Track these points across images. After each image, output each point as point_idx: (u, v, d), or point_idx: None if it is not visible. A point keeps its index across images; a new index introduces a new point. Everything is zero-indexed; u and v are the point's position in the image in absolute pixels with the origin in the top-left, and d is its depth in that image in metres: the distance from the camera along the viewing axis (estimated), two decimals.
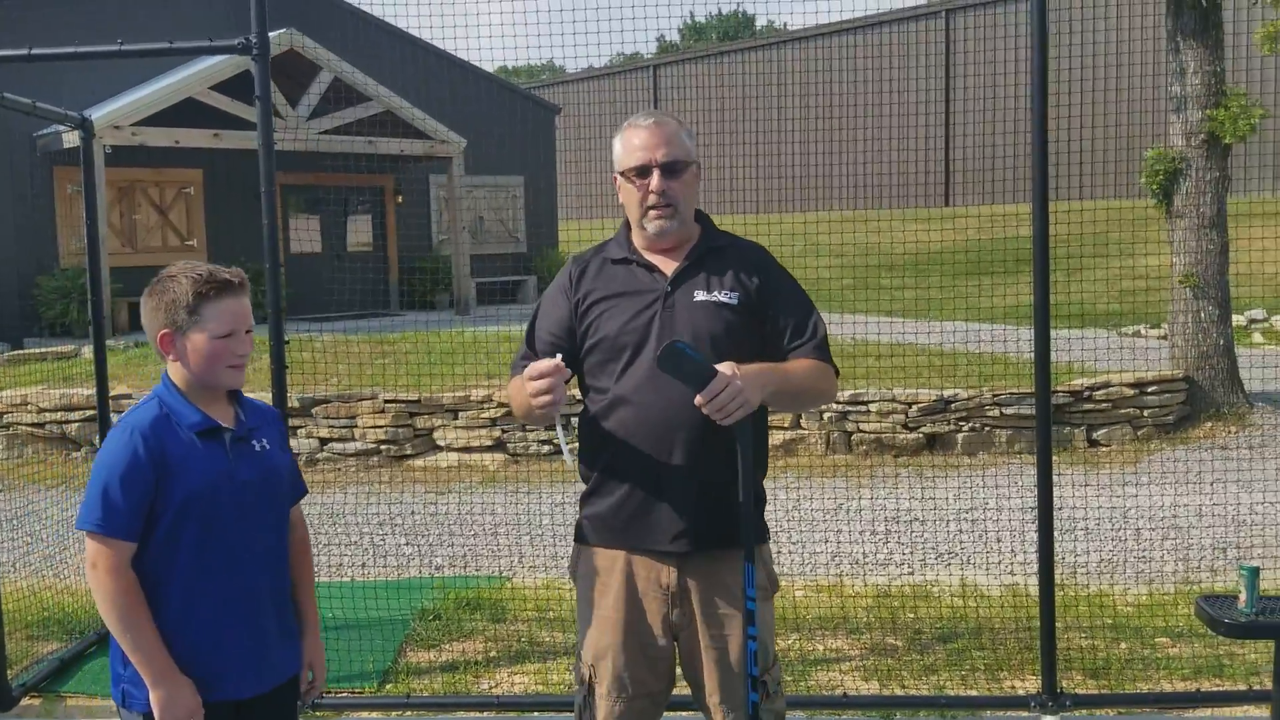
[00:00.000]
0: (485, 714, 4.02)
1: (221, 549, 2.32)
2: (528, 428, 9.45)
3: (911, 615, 5.05)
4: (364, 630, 4.90)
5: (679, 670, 2.62)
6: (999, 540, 6.80)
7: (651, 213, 2.53)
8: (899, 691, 4.10)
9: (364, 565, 6.91)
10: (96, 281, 5.07)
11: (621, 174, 2.56)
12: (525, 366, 2.48)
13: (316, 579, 5.65)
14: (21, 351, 12.67)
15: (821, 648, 4.60)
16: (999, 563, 6.41)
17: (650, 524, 2.50)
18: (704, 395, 2.27)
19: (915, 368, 9.77)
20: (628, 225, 2.62)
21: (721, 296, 2.51)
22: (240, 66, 13.50)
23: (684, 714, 3.31)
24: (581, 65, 34.59)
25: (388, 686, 4.30)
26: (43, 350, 12.48)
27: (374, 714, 4.09)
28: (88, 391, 10.32)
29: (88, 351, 12.39)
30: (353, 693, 4.20)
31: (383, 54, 16.17)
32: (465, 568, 6.57)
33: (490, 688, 4.30)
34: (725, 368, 2.30)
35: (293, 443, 9.80)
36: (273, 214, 3.89)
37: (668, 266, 2.56)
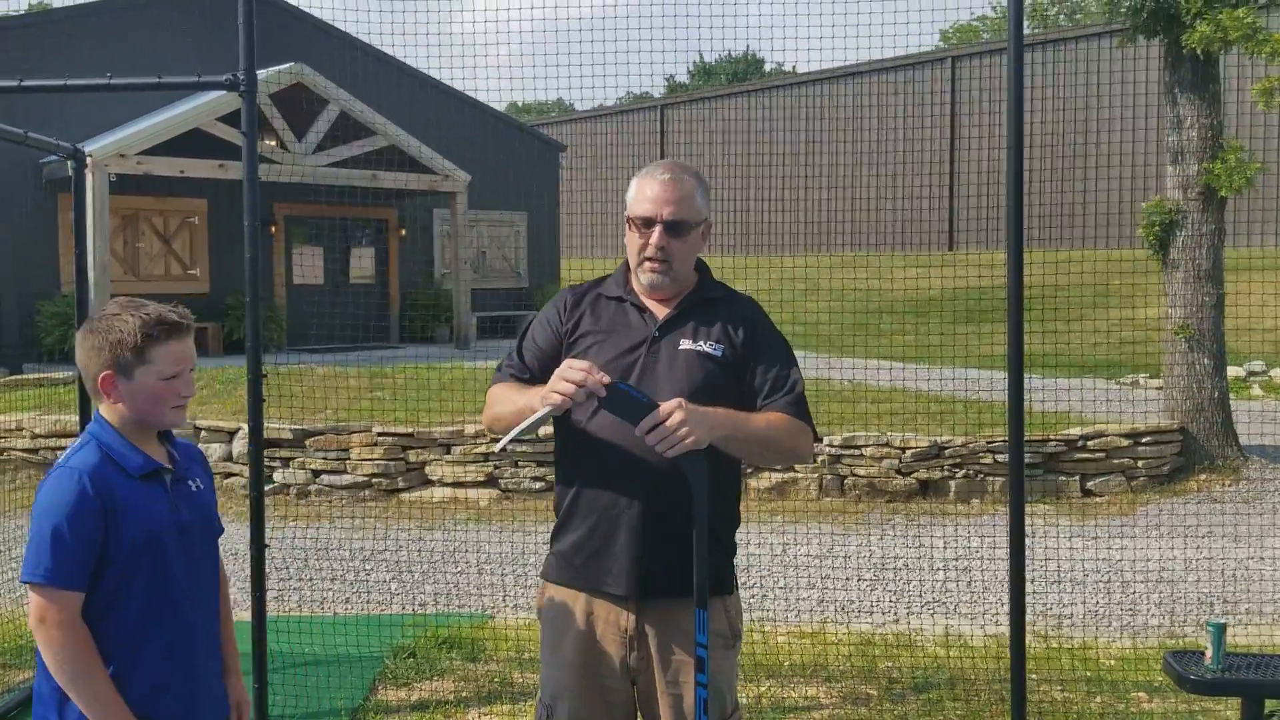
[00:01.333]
0: None
1: (167, 592, 2.29)
2: (520, 464, 9.44)
3: (889, 664, 5.01)
4: (337, 666, 4.88)
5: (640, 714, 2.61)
6: (985, 589, 6.76)
7: (647, 264, 2.58)
8: None
9: (348, 600, 6.89)
10: (83, 308, 5.09)
11: (629, 219, 2.62)
12: (511, 374, 2.59)
13: (299, 613, 5.64)
14: (19, 376, 12.72)
15: (796, 694, 4.57)
16: (984, 612, 6.38)
17: (607, 566, 2.51)
18: (643, 426, 2.29)
19: (910, 413, 9.76)
20: (627, 265, 2.67)
21: (706, 347, 2.55)
22: None
23: None
24: (591, 104, 34.85)
25: None
26: (39, 376, 12.52)
27: None
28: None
29: None
30: None
31: (390, 89, 16.31)
32: (450, 604, 6.54)
33: None
34: (671, 404, 2.32)
35: (284, 474, 9.83)
36: (255, 246, 3.92)
37: (660, 311, 2.61)
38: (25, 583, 2.20)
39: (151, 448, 2.37)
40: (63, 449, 9.26)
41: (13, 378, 12.65)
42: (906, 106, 24.46)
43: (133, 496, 2.27)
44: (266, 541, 4.06)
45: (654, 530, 2.47)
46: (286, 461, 9.81)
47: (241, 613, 5.99)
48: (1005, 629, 6.01)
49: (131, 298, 2.40)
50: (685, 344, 2.55)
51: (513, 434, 2.46)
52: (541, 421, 2.42)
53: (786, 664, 4.93)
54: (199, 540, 2.38)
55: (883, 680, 4.74)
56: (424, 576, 7.15)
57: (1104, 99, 20.02)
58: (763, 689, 4.60)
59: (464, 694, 4.61)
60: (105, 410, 2.33)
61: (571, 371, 2.34)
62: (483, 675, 4.83)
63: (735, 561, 2.67)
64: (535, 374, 2.58)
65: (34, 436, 10.23)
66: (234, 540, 5.65)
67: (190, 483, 2.41)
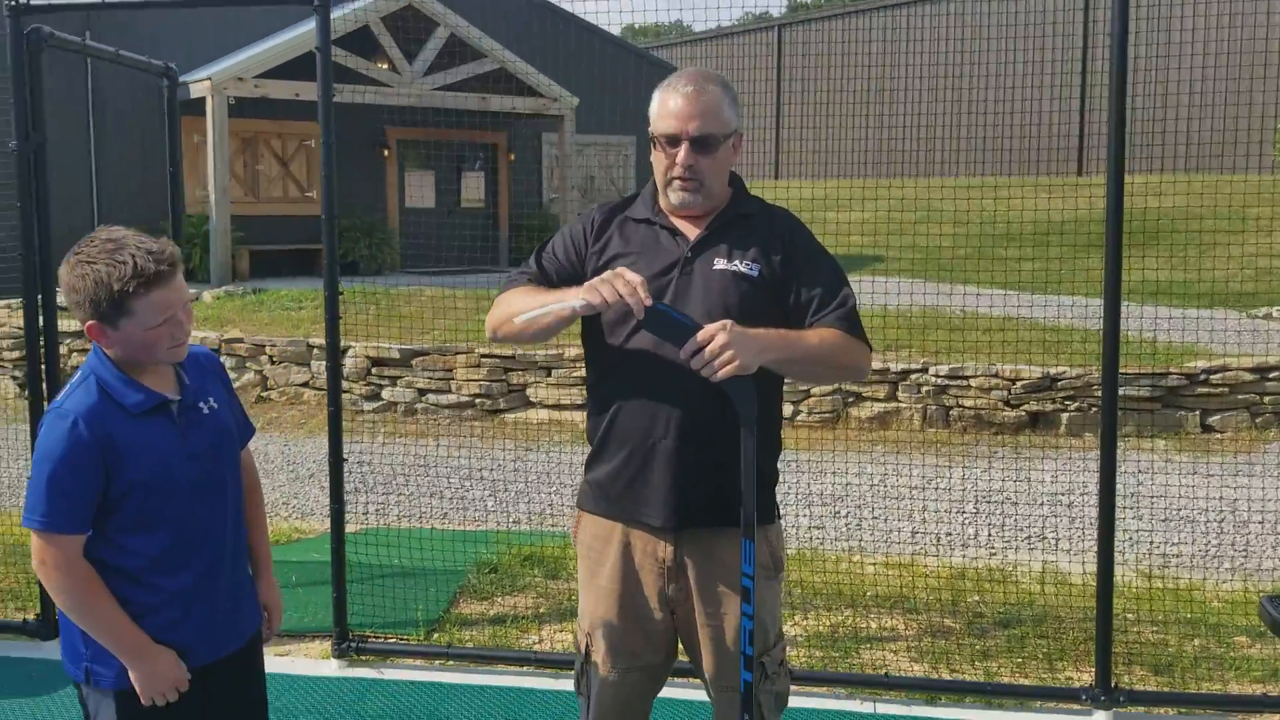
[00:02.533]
0: (523, 669, 4.03)
1: (181, 524, 2.23)
2: None
3: (977, 598, 4.87)
4: (421, 579, 4.97)
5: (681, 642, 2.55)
6: (1089, 525, 6.53)
7: (676, 183, 2.43)
8: (947, 675, 3.96)
9: (445, 515, 7.03)
10: (177, 221, 5.19)
11: (652, 137, 2.45)
12: (528, 279, 2.48)
13: (396, 525, 5.71)
14: None
15: (875, 625, 4.48)
16: (1087, 549, 6.16)
17: (644, 497, 2.42)
18: (686, 350, 2.17)
19: (1024, 343, 9.42)
20: (655, 186, 2.53)
21: (741, 267, 2.40)
22: (360, 21, 13.73)
23: (689, 681, 3.26)
24: (709, 25, 34.22)
25: (435, 635, 4.34)
26: None
27: (415, 661, 4.13)
28: (202, 334, 10.70)
29: (208, 296, 12.87)
30: (399, 639, 4.26)
31: (499, 11, 16.23)
32: (542, 524, 6.61)
33: (533, 644, 4.32)
34: (715, 325, 2.18)
35: (392, 392, 10.04)
36: (330, 166, 3.93)
37: (691, 231, 2.46)
38: (25, 527, 2.17)
39: (156, 376, 2.26)
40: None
41: None
42: (1035, 24, 23.35)
43: (134, 436, 2.18)
44: (345, 455, 4.12)
45: (693, 458, 2.37)
46: (394, 380, 10.01)
47: (322, 522, 6.12)
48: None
49: (111, 236, 2.19)
50: (720, 264, 2.41)
51: (535, 313, 2.29)
52: (568, 318, 2.28)
53: (869, 594, 4.84)
54: (216, 463, 2.30)
55: (967, 614, 4.61)
56: (519, 495, 7.24)
57: (1248, 16, 18.76)
58: (840, 618, 4.53)
59: (541, 609, 4.66)
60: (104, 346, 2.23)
61: (621, 282, 2.18)
62: (561, 592, 4.87)
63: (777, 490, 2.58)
64: (555, 284, 2.45)
65: None
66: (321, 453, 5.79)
67: (202, 405, 2.30)
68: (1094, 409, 8.90)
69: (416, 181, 16.74)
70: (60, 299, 2.23)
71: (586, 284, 2.23)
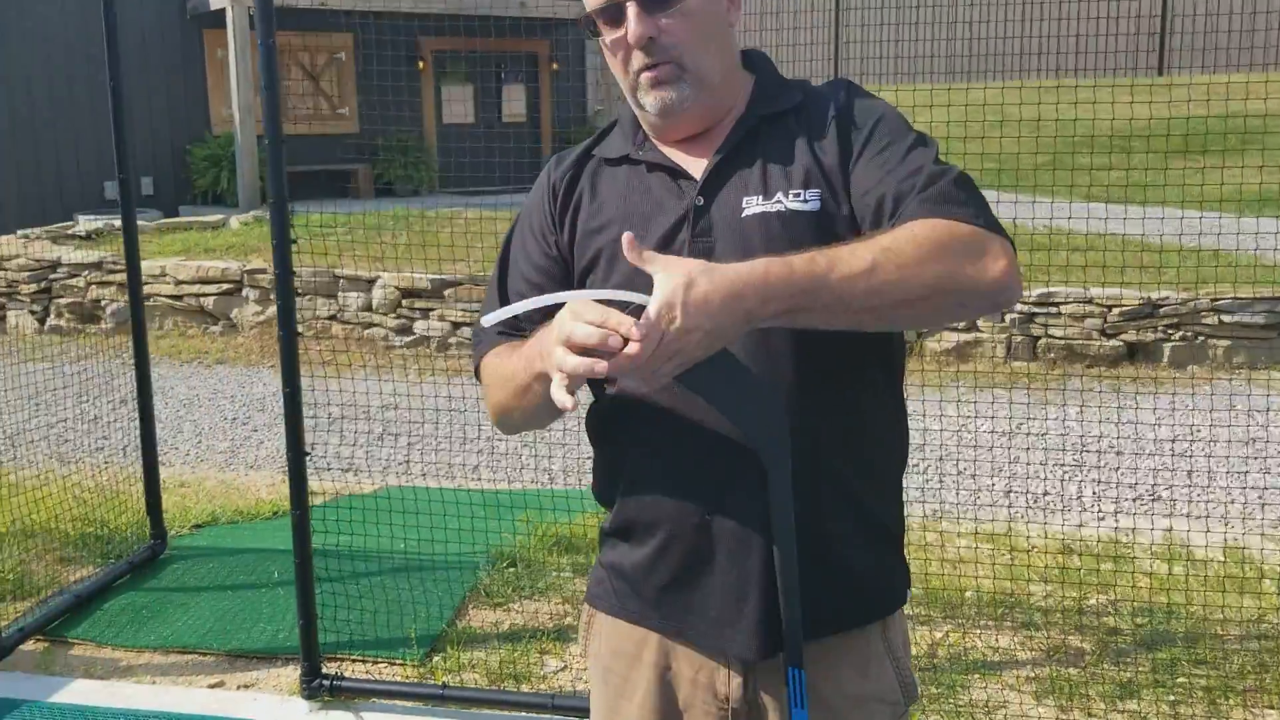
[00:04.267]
0: (541, 716, 3.24)
1: None
2: None
3: (1102, 599, 3.99)
4: (423, 576, 4.16)
5: None
6: (1211, 479, 5.64)
7: (644, 79, 1.50)
8: None
9: (475, 469, 6.33)
10: (124, 154, 4.43)
11: (588, 17, 1.53)
12: (496, 341, 1.57)
13: (416, 484, 4.80)
14: (172, 219, 12.55)
15: (983, 644, 3.65)
16: (1212, 511, 5.29)
17: (697, 602, 1.52)
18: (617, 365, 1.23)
19: (1117, 264, 8.43)
20: (635, 119, 1.62)
21: (791, 201, 1.47)
22: None
23: None
24: None
25: (435, 659, 3.58)
26: (189, 220, 12.31)
27: (405, 703, 3.33)
28: (225, 264, 10.03)
29: (235, 222, 12.17)
30: (389, 664, 3.51)
31: None
32: (579, 480, 5.87)
33: (554, 672, 3.51)
34: (656, 301, 1.23)
35: (423, 326, 9.30)
36: (271, 71, 3.10)
37: (696, 164, 1.53)
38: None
39: None
40: (207, 295, 8.82)
41: (167, 220, 12.49)
42: None
43: None
44: (308, 448, 3.36)
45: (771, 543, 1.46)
46: (425, 313, 9.29)
47: (335, 481, 5.35)
48: (1241, 534, 4.95)
49: None
50: (753, 204, 1.48)
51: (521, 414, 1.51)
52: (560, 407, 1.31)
53: (969, 594, 4.00)
54: None
55: (1096, 627, 3.73)
56: (556, 444, 6.49)
57: None
58: (938, 634, 3.70)
59: (567, 620, 3.84)
60: None
61: (586, 329, 1.23)
62: None
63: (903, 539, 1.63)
64: (536, 322, 1.49)
65: (178, 283, 9.98)
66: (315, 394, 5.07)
67: None
68: (1201, 338, 7.93)
69: (455, 95, 15.82)
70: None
71: (541, 353, 1.36)
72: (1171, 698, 3.23)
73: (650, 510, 1.54)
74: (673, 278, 1.23)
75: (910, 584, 1.63)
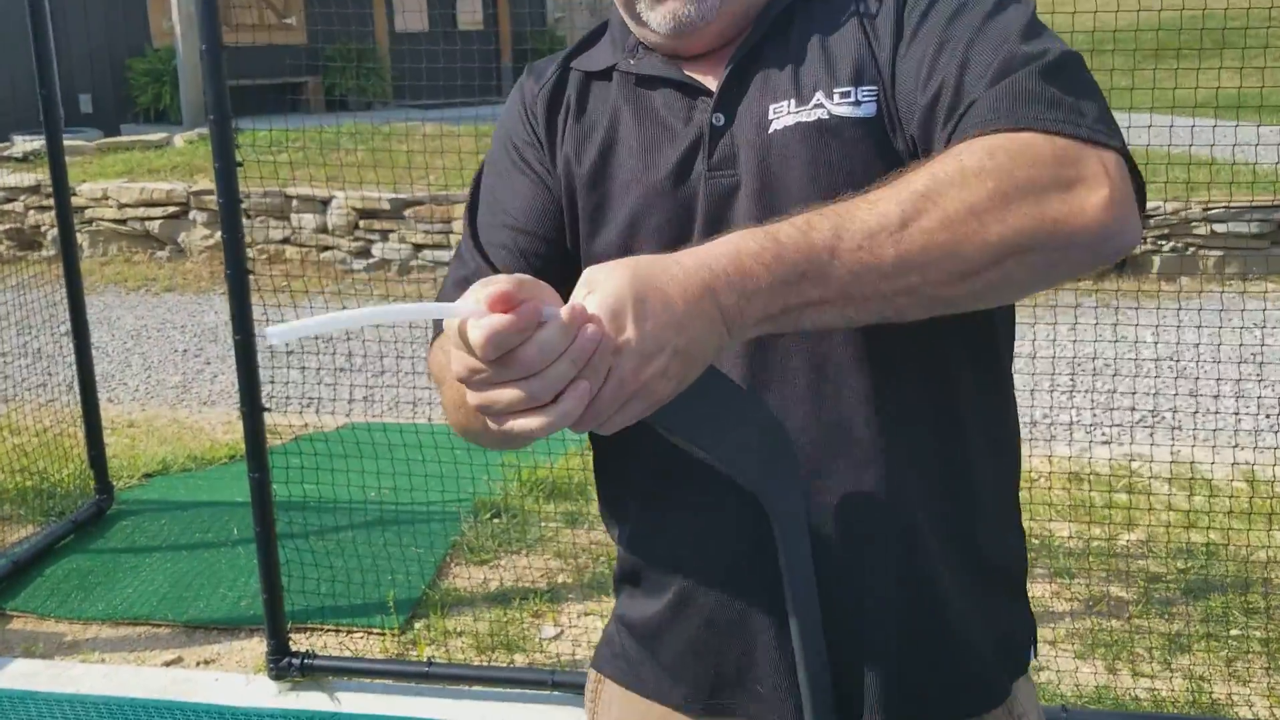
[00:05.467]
0: (540, 692, 2.93)
1: None
2: None
3: (1130, 536, 3.72)
4: (400, 532, 3.80)
5: None
6: (1216, 400, 5.42)
7: None
8: (1129, 682, 2.84)
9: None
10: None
11: None
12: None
13: (382, 419, 4.53)
14: (114, 139, 11.91)
15: None
16: (1218, 429, 5.09)
17: (734, 673, 1.15)
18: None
19: None
20: (623, 22, 1.23)
21: (835, 105, 1.06)
22: None
23: None
24: None
25: (416, 626, 3.28)
26: (131, 139, 11.69)
27: (384, 681, 3.01)
28: (169, 185, 9.50)
29: (179, 140, 11.55)
30: (367, 632, 3.20)
31: None
32: None
33: (550, 639, 3.21)
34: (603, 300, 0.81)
35: (383, 248, 8.85)
36: None
37: (708, 73, 1.14)
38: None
39: None
40: (152, 219, 8.29)
41: (109, 139, 11.85)
42: None
43: None
44: (268, 404, 3.00)
45: (845, 594, 1.10)
46: (385, 234, 8.85)
47: (300, 416, 4.96)
48: (1251, 455, 4.73)
49: None
50: (782, 112, 1.08)
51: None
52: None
53: None
54: None
55: (1136, 573, 3.41)
56: None
57: None
58: None
59: (560, 578, 3.56)
60: None
61: (490, 326, 0.78)
62: (585, 549, 3.70)
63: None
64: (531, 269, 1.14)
65: (121, 206, 9.45)
66: (270, 324, 4.73)
67: None
68: (1192, 249, 7.68)
69: (408, 3, 15.10)
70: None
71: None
72: (1226, 652, 2.98)
73: (666, 549, 1.16)
74: (609, 276, 0.82)
75: (1036, 635, 1.25)
